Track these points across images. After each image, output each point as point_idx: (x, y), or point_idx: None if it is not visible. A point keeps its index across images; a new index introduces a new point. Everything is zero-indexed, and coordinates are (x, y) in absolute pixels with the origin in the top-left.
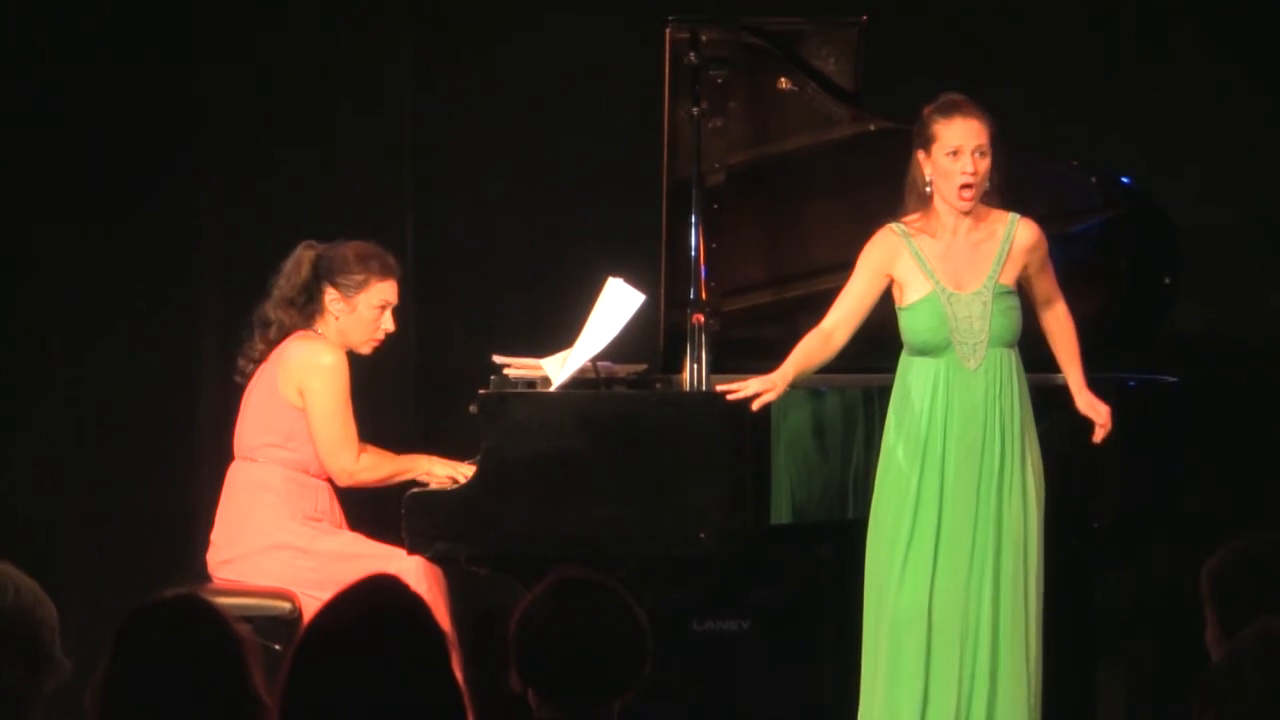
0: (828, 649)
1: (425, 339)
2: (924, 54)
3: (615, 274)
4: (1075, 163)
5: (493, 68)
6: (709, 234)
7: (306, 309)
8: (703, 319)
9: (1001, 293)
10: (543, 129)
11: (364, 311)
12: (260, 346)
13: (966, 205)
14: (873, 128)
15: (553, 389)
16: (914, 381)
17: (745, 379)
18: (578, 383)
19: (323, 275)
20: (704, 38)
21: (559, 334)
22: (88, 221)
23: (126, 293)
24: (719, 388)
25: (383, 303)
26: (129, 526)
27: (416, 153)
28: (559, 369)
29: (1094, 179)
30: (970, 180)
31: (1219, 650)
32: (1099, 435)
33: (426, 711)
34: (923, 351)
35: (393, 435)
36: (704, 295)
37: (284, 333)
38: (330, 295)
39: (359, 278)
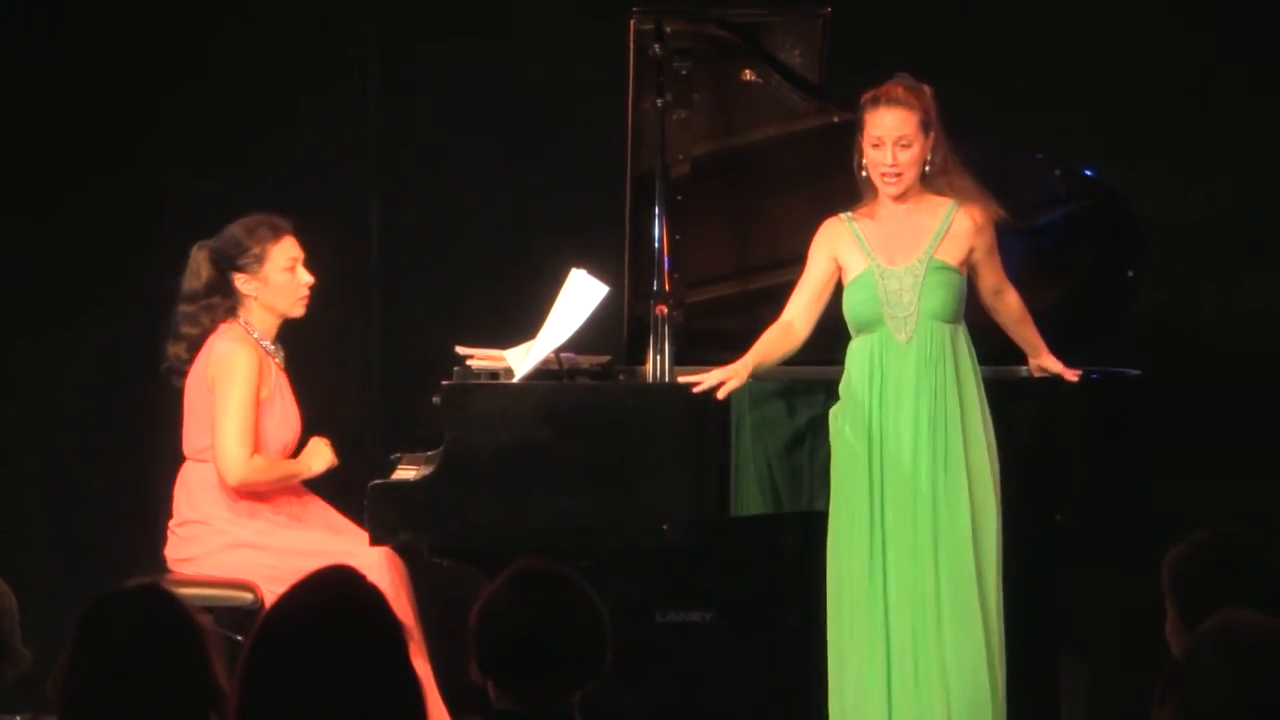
0: (791, 640)
1: (389, 330)
2: (889, 46)
3: (579, 265)
4: (1039, 155)
5: (458, 58)
6: (673, 225)
7: (225, 304)
8: (666, 310)
9: (937, 268)
10: (507, 120)
11: (276, 278)
12: (184, 353)
13: (894, 191)
14: (837, 120)
15: (516, 380)
16: (856, 361)
17: (709, 370)
18: (541, 374)
19: (224, 267)
20: (668, 29)
21: (522, 325)
22: (51, 212)
23: (90, 282)
24: (681, 381)
25: (289, 262)
26: (92, 516)
27: (381, 142)
28: (522, 360)
29: (1058, 171)
30: (890, 170)
31: (1180, 643)
32: (1071, 376)
33: (383, 701)
34: (860, 329)
35: (356, 425)
36: (668, 287)
37: (207, 333)
38: (240, 280)
39: (255, 251)
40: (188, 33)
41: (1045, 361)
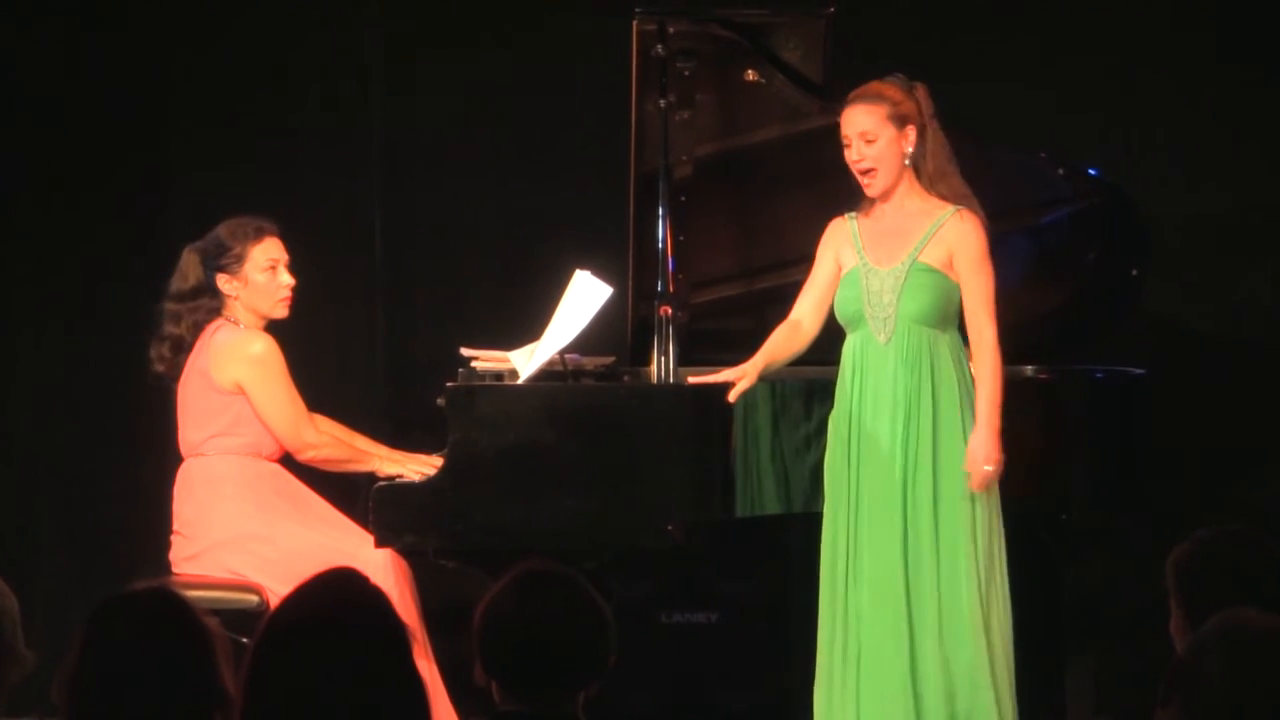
0: (795, 641)
1: (393, 331)
2: (891, 45)
3: (583, 266)
4: (1043, 154)
5: (461, 59)
6: (677, 226)
7: (210, 305)
8: (670, 311)
9: (920, 270)
10: (511, 121)
11: (256, 278)
12: (167, 352)
13: (872, 190)
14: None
15: (520, 381)
16: (845, 359)
17: (714, 371)
18: (545, 375)
19: (209, 267)
20: (671, 30)
21: (527, 326)
22: (56, 212)
23: (95, 283)
24: (691, 381)
25: (269, 263)
26: (95, 517)
27: (385, 144)
28: (527, 361)
29: (1061, 170)
30: (856, 165)
31: (1184, 641)
32: (973, 486)
33: (386, 704)
34: (846, 326)
35: (361, 427)
36: (672, 287)
37: (191, 333)
38: (222, 280)
39: (236, 251)
40: (192, 32)
41: (974, 435)
